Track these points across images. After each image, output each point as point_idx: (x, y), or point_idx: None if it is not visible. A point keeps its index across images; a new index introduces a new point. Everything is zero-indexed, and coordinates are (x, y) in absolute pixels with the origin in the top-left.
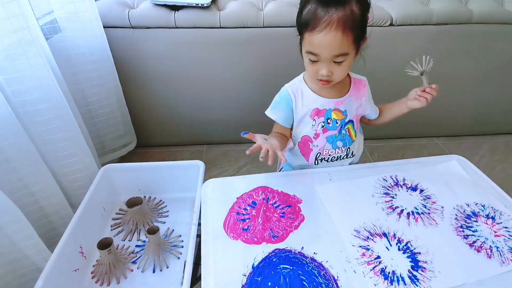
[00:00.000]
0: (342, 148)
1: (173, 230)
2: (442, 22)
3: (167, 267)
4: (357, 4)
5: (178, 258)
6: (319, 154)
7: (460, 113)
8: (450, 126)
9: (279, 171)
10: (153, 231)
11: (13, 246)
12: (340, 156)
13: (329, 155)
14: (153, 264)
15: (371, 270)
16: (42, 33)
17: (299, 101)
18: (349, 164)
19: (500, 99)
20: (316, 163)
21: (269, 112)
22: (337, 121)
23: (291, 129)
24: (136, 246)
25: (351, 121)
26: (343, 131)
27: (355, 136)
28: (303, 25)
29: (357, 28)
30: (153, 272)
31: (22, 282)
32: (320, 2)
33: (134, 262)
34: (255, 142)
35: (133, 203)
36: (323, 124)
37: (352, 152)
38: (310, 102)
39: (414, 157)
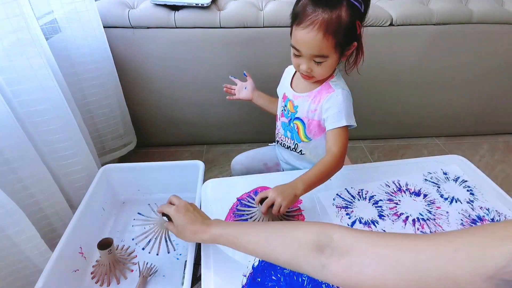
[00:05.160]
0: (290, 139)
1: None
2: (442, 22)
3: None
4: (347, 10)
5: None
6: (277, 134)
7: (460, 113)
8: (450, 126)
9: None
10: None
11: (15, 247)
12: (290, 146)
13: (282, 140)
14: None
15: None
16: (42, 33)
17: (283, 81)
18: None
19: (500, 99)
20: (277, 142)
21: None
22: (289, 112)
23: None
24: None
25: (300, 119)
26: (291, 124)
27: (305, 138)
28: (293, 17)
29: (340, 34)
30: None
31: (25, 283)
32: (312, 0)
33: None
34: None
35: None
36: (282, 109)
37: (301, 150)
38: (285, 85)
39: (414, 157)
